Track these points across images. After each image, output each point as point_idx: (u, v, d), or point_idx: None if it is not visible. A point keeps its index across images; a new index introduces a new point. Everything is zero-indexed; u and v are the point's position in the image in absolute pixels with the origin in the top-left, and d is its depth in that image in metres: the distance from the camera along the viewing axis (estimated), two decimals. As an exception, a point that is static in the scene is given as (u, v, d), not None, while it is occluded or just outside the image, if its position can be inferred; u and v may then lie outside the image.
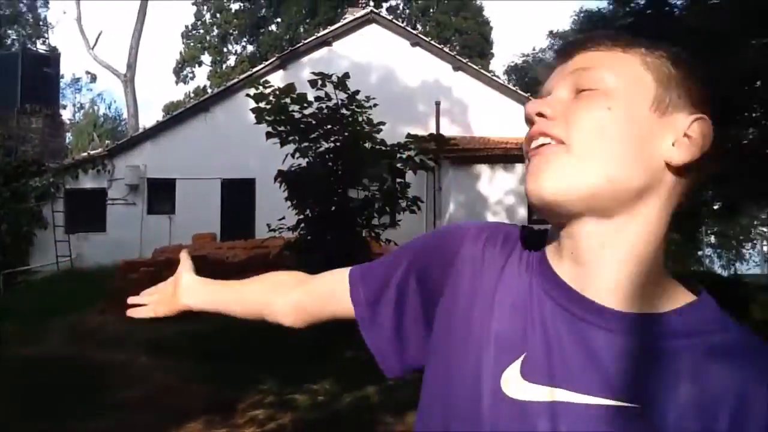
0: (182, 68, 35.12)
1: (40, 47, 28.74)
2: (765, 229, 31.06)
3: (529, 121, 0.80)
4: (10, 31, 30.05)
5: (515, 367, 0.76)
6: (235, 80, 17.74)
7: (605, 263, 0.76)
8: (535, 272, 0.82)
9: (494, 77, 18.94)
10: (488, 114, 16.49)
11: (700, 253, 25.46)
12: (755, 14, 7.32)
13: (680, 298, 0.79)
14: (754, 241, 31.47)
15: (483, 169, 14.66)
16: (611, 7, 10.98)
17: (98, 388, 6.46)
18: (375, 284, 0.96)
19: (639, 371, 0.73)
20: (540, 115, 0.79)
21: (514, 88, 18.33)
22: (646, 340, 0.75)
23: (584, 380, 0.73)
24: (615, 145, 0.74)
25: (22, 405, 5.92)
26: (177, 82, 35.48)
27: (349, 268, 1.02)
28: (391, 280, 0.94)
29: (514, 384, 0.76)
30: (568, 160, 0.75)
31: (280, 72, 16.26)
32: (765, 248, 29.84)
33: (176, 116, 17.57)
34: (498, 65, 50.41)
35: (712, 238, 28.60)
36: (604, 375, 0.73)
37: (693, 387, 0.72)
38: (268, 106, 8.21)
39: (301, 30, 32.46)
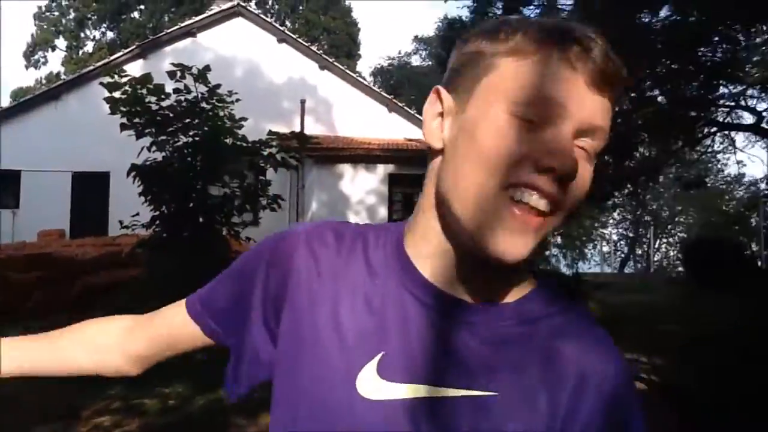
0: (34, 52, 33.10)
1: None
2: (605, 231, 33.44)
3: (546, 169, 0.68)
4: None
5: (371, 366, 0.75)
6: (91, 67, 16.95)
7: (482, 267, 0.75)
8: (393, 269, 0.81)
9: (360, 78, 19.17)
10: (353, 114, 16.66)
11: (547, 252, 26.92)
12: (599, 23, 7.83)
13: (524, 287, 0.81)
14: (595, 242, 33.65)
15: (346, 169, 14.80)
16: (472, 16, 11.44)
17: None
18: (220, 313, 0.92)
19: (495, 360, 0.75)
20: (569, 176, 0.68)
21: (378, 91, 18.68)
22: (498, 330, 0.76)
23: (445, 374, 0.74)
24: None
25: None
26: (27, 67, 33.51)
27: (184, 301, 0.96)
28: (232, 303, 0.90)
29: (371, 384, 0.74)
30: (553, 226, 0.72)
31: (140, 61, 15.76)
32: (605, 248, 32.01)
33: (24, 103, 16.67)
34: (364, 67, 51.00)
35: (559, 239, 30.35)
36: (462, 367, 0.74)
37: (539, 370, 0.74)
38: (123, 96, 7.85)
39: (166, 19, 31.44)
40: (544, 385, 0.74)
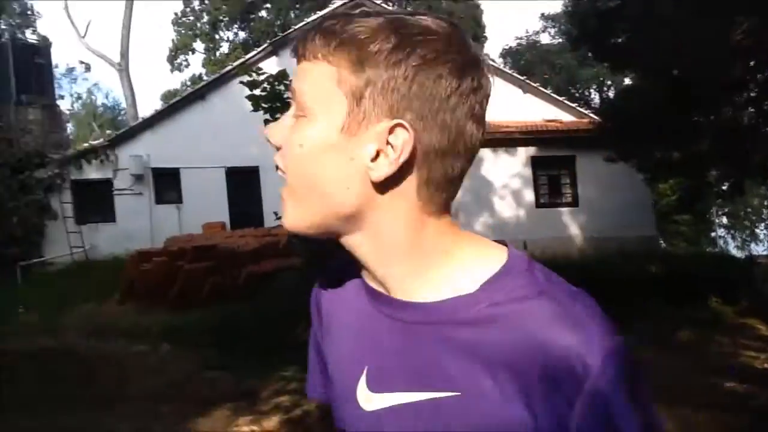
0: (176, 56, 34.67)
1: (30, 37, 27.69)
2: (777, 209, 29.99)
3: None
4: (-3, 21, 29.35)
5: (362, 382, 0.82)
6: (229, 67, 17.50)
7: (383, 264, 0.78)
8: (363, 292, 0.86)
9: (490, 61, 18.96)
10: (487, 99, 16.48)
11: (713, 234, 24.90)
12: None
13: (476, 277, 0.76)
14: (767, 222, 30.72)
15: (486, 153, 14.71)
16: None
17: (121, 378, 6.46)
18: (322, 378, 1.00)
19: (446, 358, 0.74)
20: (277, 149, 0.79)
21: (510, 72, 18.38)
22: (460, 325, 0.74)
23: (407, 379, 0.77)
24: (317, 185, 0.74)
25: (42, 397, 5.86)
26: (172, 71, 35.17)
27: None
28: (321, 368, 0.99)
29: (365, 397, 0.82)
30: (289, 201, 0.79)
31: (274, 58, 16.14)
32: (779, 228, 28.65)
33: (173, 105, 17.39)
34: (491, 49, 50.07)
35: (725, 219, 27.76)
36: (419, 369, 0.76)
37: (504, 363, 0.70)
38: (263, 93, 8.14)
39: (292, 16, 32.27)
40: (508, 377, 0.70)
